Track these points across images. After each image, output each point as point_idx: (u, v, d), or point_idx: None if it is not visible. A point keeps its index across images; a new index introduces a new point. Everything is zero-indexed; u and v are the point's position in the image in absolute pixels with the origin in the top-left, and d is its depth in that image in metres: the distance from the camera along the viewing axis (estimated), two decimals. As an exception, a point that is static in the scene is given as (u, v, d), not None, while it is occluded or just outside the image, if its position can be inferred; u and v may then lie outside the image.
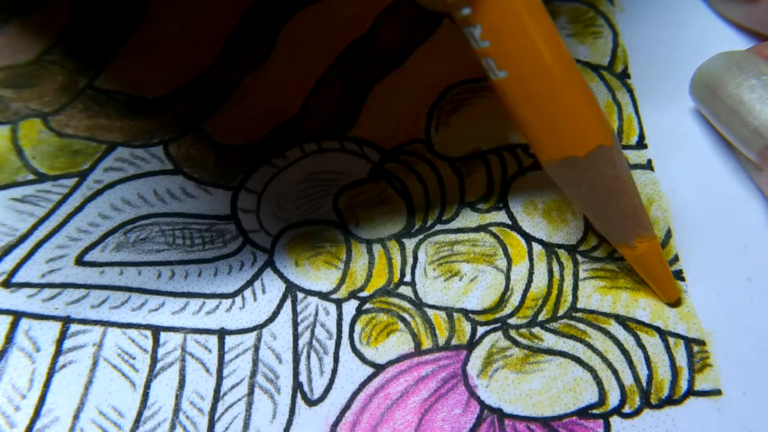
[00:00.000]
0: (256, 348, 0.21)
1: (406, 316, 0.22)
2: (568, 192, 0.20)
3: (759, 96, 0.21)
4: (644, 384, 0.21)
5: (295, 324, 0.22)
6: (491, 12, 0.17)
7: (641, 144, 0.24)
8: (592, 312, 0.22)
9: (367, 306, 0.22)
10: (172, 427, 0.21)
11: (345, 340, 0.21)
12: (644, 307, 0.22)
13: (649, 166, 0.24)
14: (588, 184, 0.19)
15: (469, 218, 0.23)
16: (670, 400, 0.20)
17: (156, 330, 0.22)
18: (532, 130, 0.19)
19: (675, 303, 0.21)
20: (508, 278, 0.22)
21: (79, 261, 0.23)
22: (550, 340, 0.21)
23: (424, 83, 0.25)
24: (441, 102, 0.25)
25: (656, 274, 0.21)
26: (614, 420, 0.20)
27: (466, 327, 0.22)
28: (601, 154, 0.18)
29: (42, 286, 0.22)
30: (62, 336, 0.22)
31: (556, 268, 0.22)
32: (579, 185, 0.19)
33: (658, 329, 0.21)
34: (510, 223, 0.23)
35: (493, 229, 0.23)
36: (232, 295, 0.22)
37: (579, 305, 0.22)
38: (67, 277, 0.23)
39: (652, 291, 0.22)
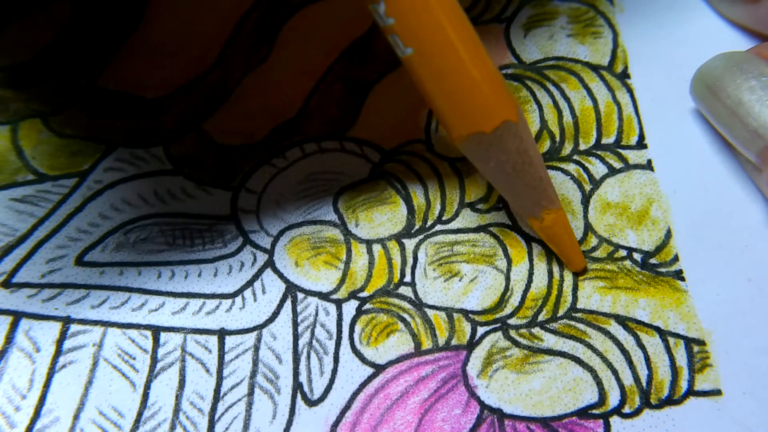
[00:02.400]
0: (256, 348, 0.21)
1: (406, 316, 0.22)
2: (479, 167, 0.20)
3: (758, 97, 0.21)
4: (644, 384, 0.21)
5: (295, 324, 0.22)
6: None
7: (641, 144, 0.24)
8: (591, 312, 0.22)
9: (367, 306, 0.22)
10: (172, 427, 0.21)
11: (345, 341, 0.21)
12: (644, 307, 0.22)
13: (649, 166, 0.24)
14: (495, 159, 0.19)
15: (469, 218, 0.23)
16: (670, 400, 0.20)
17: (156, 330, 0.22)
18: (440, 107, 0.19)
19: (581, 272, 0.22)
20: (508, 278, 0.22)
21: (79, 261, 0.23)
22: (550, 341, 0.21)
23: (424, 83, 0.25)
24: (441, 102, 0.25)
25: (563, 245, 0.22)
26: (614, 420, 0.20)
27: (466, 327, 0.22)
28: (507, 129, 0.19)
29: (42, 286, 0.22)
30: (62, 336, 0.22)
31: (555, 268, 0.22)
32: (487, 160, 0.20)
33: (658, 329, 0.21)
34: (510, 223, 0.23)
35: (493, 229, 0.23)
36: (232, 296, 0.22)
37: (579, 305, 0.22)
38: (67, 277, 0.23)
39: (653, 291, 0.22)
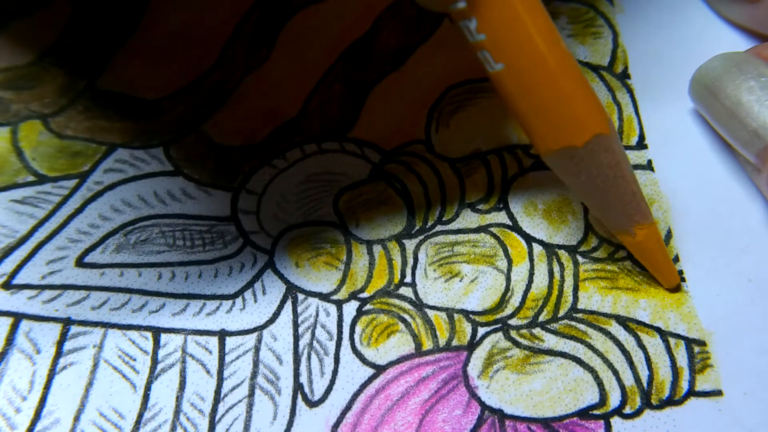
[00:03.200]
0: (257, 349, 0.21)
1: (406, 317, 0.22)
2: (568, 181, 0.20)
3: (757, 98, 0.21)
4: (645, 384, 0.21)
5: (296, 325, 0.22)
6: (486, 5, 0.17)
7: (641, 144, 0.24)
8: (592, 313, 0.22)
9: (368, 307, 0.22)
10: (173, 428, 0.21)
11: (345, 341, 0.21)
12: (645, 307, 0.22)
13: (649, 166, 0.24)
14: (587, 173, 0.19)
15: (469, 219, 0.23)
16: (671, 401, 0.20)
17: (156, 331, 0.22)
18: (529, 122, 0.19)
19: (675, 288, 0.22)
20: (508, 279, 0.22)
21: (80, 262, 0.23)
22: (550, 341, 0.21)
23: (424, 84, 0.25)
24: (441, 103, 0.25)
25: (656, 261, 0.21)
26: (615, 420, 0.20)
27: (467, 328, 0.22)
28: (599, 143, 0.19)
29: (42, 287, 0.22)
30: (63, 338, 0.22)
31: (556, 268, 0.22)
32: (578, 174, 0.19)
33: (658, 330, 0.21)
34: (510, 223, 0.23)
35: (494, 229, 0.23)
36: (233, 297, 0.22)
37: (579, 306, 0.22)
38: (67, 278, 0.23)
39: (653, 291, 0.22)
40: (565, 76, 0.18)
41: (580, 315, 0.22)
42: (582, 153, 0.19)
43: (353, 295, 0.22)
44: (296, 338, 0.22)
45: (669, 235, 0.22)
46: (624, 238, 0.21)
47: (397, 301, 0.22)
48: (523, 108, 0.19)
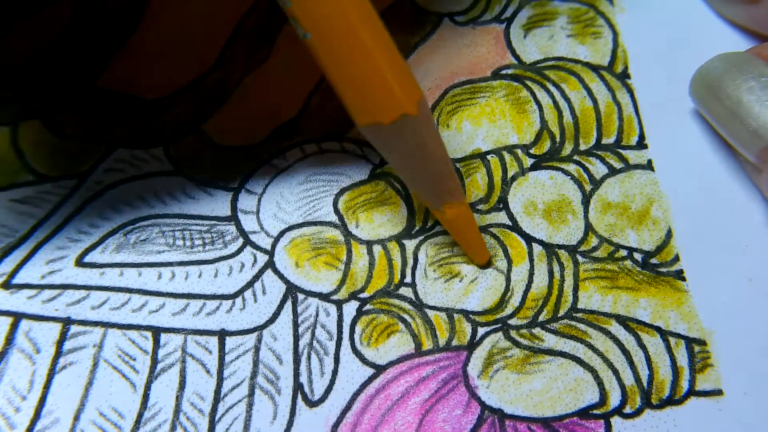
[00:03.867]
0: (257, 349, 0.21)
1: (406, 317, 0.22)
2: (383, 155, 0.20)
3: (757, 98, 0.21)
4: (645, 384, 0.21)
5: (296, 325, 0.22)
6: None
7: (641, 144, 0.24)
8: (592, 312, 0.22)
9: (368, 307, 0.22)
10: (173, 428, 0.21)
11: (345, 341, 0.21)
12: (645, 307, 0.22)
13: (649, 166, 0.24)
14: (395, 151, 0.19)
15: (469, 219, 0.23)
16: (671, 401, 0.20)
17: (156, 331, 0.22)
18: (341, 93, 0.19)
19: (485, 265, 0.22)
20: (508, 279, 0.22)
21: (80, 262, 0.23)
22: (550, 341, 0.21)
23: (424, 84, 0.25)
24: (441, 102, 0.25)
25: (466, 238, 0.22)
26: (615, 420, 0.20)
27: (467, 328, 0.22)
28: (406, 122, 0.18)
29: (42, 287, 0.22)
30: (62, 337, 0.22)
31: (556, 268, 0.22)
32: (388, 150, 0.19)
33: (658, 329, 0.21)
34: (510, 224, 0.23)
35: (494, 230, 0.23)
36: (233, 297, 0.22)
37: (579, 306, 0.22)
38: (67, 278, 0.23)
39: (653, 291, 0.22)
40: (376, 52, 0.18)
41: (580, 315, 0.22)
42: (389, 131, 0.19)
43: (353, 295, 0.22)
44: (296, 338, 0.22)
45: (669, 234, 0.22)
46: (436, 214, 0.21)
47: (397, 302, 0.22)
48: (334, 80, 0.18)
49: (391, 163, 0.20)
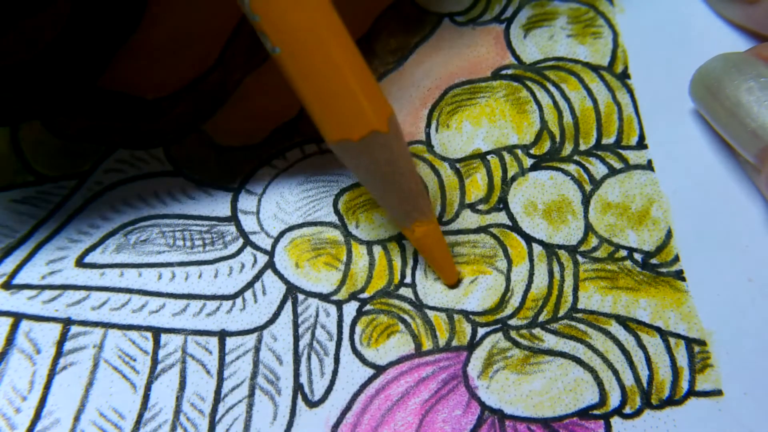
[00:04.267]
0: (257, 349, 0.21)
1: (406, 317, 0.22)
2: (352, 172, 0.20)
3: (757, 98, 0.21)
4: (645, 384, 0.21)
5: (296, 325, 0.22)
6: None
7: (641, 144, 0.24)
8: (592, 312, 0.22)
9: (368, 307, 0.22)
10: (173, 428, 0.21)
11: (345, 342, 0.21)
12: (645, 307, 0.22)
13: (649, 166, 0.24)
14: (364, 167, 0.19)
15: (469, 219, 0.23)
16: (671, 401, 0.20)
17: (156, 332, 0.22)
18: (310, 109, 0.19)
19: (453, 285, 0.22)
20: (508, 279, 0.22)
21: (80, 262, 0.23)
22: (550, 341, 0.21)
23: (424, 84, 0.25)
24: (441, 103, 0.25)
25: (434, 257, 0.21)
26: (615, 420, 0.20)
27: (467, 328, 0.22)
28: (375, 139, 0.18)
29: (42, 287, 0.22)
30: (63, 338, 0.22)
31: (556, 268, 0.22)
32: (356, 167, 0.19)
33: (658, 329, 0.21)
34: (510, 224, 0.23)
35: (494, 230, 0.23)
36: (233, 297, 0.22)
37: (579, 306, 0.22)
38: (67, 278, 0.23)
39: (653, 291, 0.22)
40: (346, 68, 0.18)
41: (580, 315, 0.22)
42: (358, 147, 0.18)
43: (353, 296, 0.22)
44: (296, 338, 0.22)
45: (669, 234, 0.22)
46: (405, 231, 0.21)
47: (397, 302, 0.22)
48: (303, 95, 0.18)
49: (361, 180, 0.20)
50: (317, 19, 0.17)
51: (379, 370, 0.21)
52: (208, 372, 0.21)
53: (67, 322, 0.22)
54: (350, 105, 0.18)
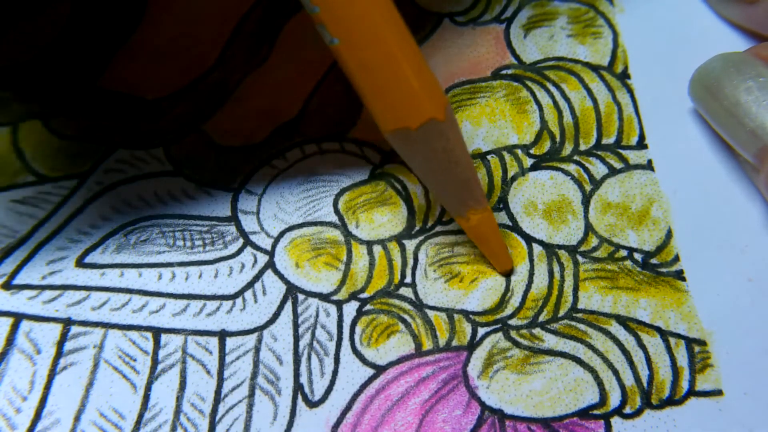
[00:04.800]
0: (257, 350, 0.21)
1: (406, 317, 0.22)
2: (406, 161, 0.20)
3: (755, 98, 0.21)
4: (645, 384, 0.21)
5: (296, 325, 0.22)
6: None
7: (641, 144, 0.24)
8: (592, 312, 0.22)
9: (368, 307, 0.22)
10: (173, 428, 0.21)
11: (345, 342, 0.21)
12: (645, 307, 0.22)
13: (649, 166, 0.24)
14: (421, 156, 0.19)
15: (469, 219, 0.23)
16: (671, 401, 0.20)
17: (157, 332, 0.22)
18: (368, 100, 0.19)
19: (507, 273, 0.22)
20: (508, 279, 0.22)
21: (80, 263, 0.23)
22: (550, 341, 0.21)
23: (424, 84, 0.25)
24: (441, 102, 0.25)
25: (490, 245, 0.22)
26: (615, 420, 0.20)
27: (467, 328, 0.22)
28: (433, 127, 0.18)
29: (43, 287, 0.22)
30: (63, 338, 0.22)
31: (556, 268, 0.22)
32: (413, 156, 0.19)
33: (658, 329, 0.21)
34: (510, 224, 0.23)
35: (494, 229, 0.23)
36: (233, 297, 0.22)
37: (579, 306, 0.22)
38: (67, 278, 0.23)
39: (653, 291, 0.22)
40: (404, 57, 0.18)
41: (580, 315, 0.22)
42: (415, 136, 0.19)
43: (353, 296, 0.22)
44: (296, 339, 0.22)
45: (669, 234, 0.22)
46: (459, 220, 0.21)
47: (397, 302, 0.22)
48: (361, 85, 0.19)
49: (416, 169, 0.20)
50: (375, 9, 0.17)
51: (379, 370, 0.21)
52: (208, 372, 0.21)
53: (68, 323, 0.22)
54: (408, 94, 0.18)
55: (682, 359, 0.21)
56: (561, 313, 0.22)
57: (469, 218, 0.21)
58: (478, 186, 0.20)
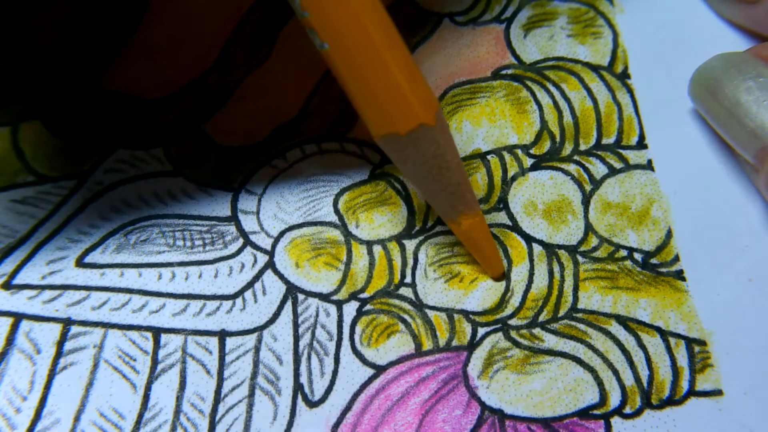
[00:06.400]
0: (257, 349, 0.21)
1: (406, 317, 0.22)
2: (398, 166, 0.20)
3: (756, 98, 0.21)
4: (645, 384, 0.21)
5: (296, 325, 0.22)
6: None
7: (641, 144, 0.24)
8: (592, 312, 0.22)
9: (368, 307, 0.22)
10: (173, 428, 0.21)
11: (345, 342, 0.21)
12: (645, 307, 0.22)
13: (649, 166, 0.24)
14: (411, 161, 0.19)
15: (469, 219, 0.23)
16: (671, 401, 0.20)
17: (157, 332, 0.22)
18: (358, 104, 0.19)
19: (499, 277, 0.22)
20: (508, 279, 0.22)
21: (80, 263, 0.23)
22: (550, 341, 0.21)
23: (424, 84, 0.25)
24: (441, 102, 0.25)
25: (481, 250, 0.21)
26: (615, 420, 0.20)
27: (467, 328, 0.22)
28: (423, 132, 0.18)
29: (42, 287, 0.22)
30: (63, 338, 0.22)
31: (556, 268, 0.22)
32: (404, 161, 0.19)
33: (658, 329, 0.21)
34: (510, 224, 0.23)
35: (494, 230, 0.23)
36: (233, 297, 0.22)
37: (579, 306, 0.22)
38: (67, 278, 0.23)
39: (653, 291, 0.22)
40: (393, 62, 0.18)
41: (580, 315, 0.22)
42: (405, 141, 0.19)
43: (353, 296, 0.22)
44: (296, 338, 0.22)
45: (669, 234, 0.22)
46: (451, 225, 0.21)
47: (397, 302, 0.22)
48: (352, 90, 0.19)
49: (407, 174, 0.20)
50: (365, 14, 0.17)
51: (379, 370, 0.21)
52: (208, 372, 0.21)
53: (67, 322, 0.22)
54: (398, 99, 0.18)
55: (682, 359, 0.21)
56: (561, 313, 0.22)
57: (461, 223, 0.21)
58: (469, 191, 0.20)
